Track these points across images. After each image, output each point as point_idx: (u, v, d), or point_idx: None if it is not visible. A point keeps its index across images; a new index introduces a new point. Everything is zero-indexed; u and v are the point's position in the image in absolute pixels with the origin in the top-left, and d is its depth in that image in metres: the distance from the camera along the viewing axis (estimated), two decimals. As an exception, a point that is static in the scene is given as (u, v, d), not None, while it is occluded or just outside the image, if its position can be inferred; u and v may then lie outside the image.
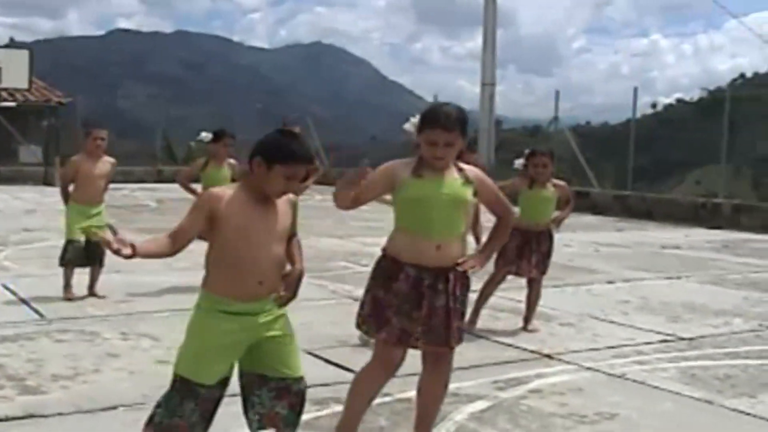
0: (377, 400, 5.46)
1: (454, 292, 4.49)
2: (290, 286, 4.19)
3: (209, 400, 4.11)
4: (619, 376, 6.53)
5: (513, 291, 8.81)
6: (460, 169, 4.55)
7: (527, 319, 8.08)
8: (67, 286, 9.24)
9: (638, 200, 21.25)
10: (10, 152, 30.24)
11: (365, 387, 4.69)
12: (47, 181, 28.00)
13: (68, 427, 5.27)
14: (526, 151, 8.05)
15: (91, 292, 9.31)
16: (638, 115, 23.27)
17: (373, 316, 4.55)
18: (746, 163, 31.42)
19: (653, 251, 14.38)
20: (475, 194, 4.55)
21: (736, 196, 21.41)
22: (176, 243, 4.01)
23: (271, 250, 4.09)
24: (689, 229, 18.06)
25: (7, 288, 9.65)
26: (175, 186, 10.97)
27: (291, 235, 4.27)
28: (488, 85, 23.70)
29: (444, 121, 4.42)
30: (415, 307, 4.43)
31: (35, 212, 19.13)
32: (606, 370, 6.66)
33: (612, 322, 8.54)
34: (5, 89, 28.06)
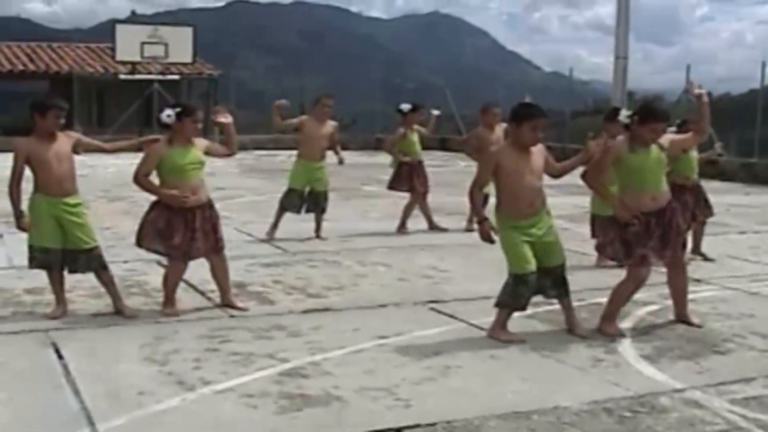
0: (578, 303, 7.44)
1: (672, 222, 6.69)
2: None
3: (534, 279, 6.46)
4: (755, 293, 8.43)
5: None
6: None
7: None
8: (274, 226, 11.11)
9: (764, 168, 22.42)
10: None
11: (622, 294, 6.80)
12: (204, 150, 30.36)
13: (357, 316, 7.35)
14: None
15: (317, 235, 11.26)
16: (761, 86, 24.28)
17: (622, 250, 6.67)
18: None
19: (779, 211, 15.88)
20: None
21: None
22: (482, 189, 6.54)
23: (534, 184, 6.42)
24: (814, 195, 19.31)
25: (241, 231, 11.80)
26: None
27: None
28: (621, 59, 24.82)
29: (666, 118, 6.67)
30: (647, 240, 6.57)
31: (215, 174, 21.40)
32: (744, 289, 8.56)
33: (746, 260, 10.31)
34: (172, 63, 30.50)
